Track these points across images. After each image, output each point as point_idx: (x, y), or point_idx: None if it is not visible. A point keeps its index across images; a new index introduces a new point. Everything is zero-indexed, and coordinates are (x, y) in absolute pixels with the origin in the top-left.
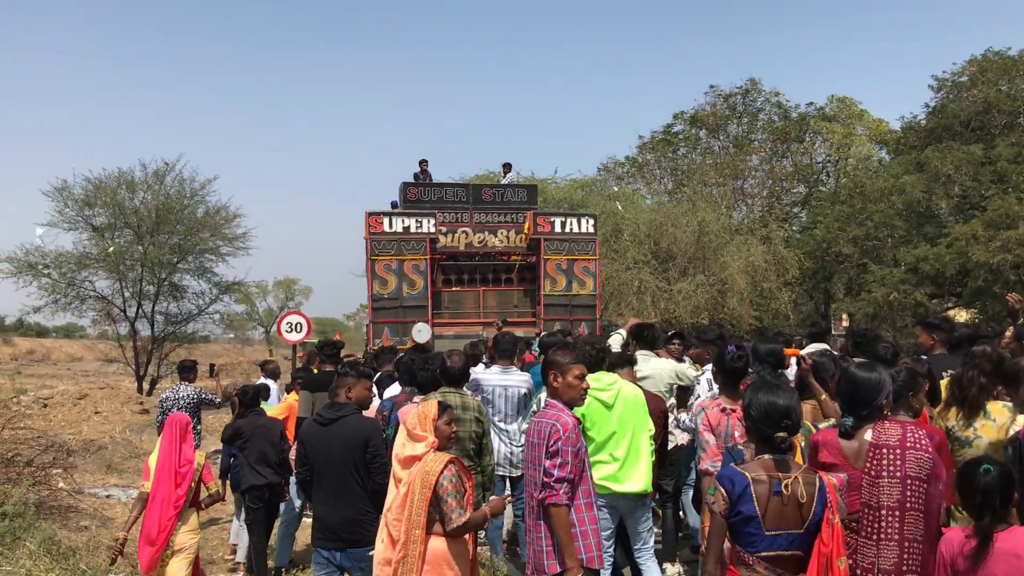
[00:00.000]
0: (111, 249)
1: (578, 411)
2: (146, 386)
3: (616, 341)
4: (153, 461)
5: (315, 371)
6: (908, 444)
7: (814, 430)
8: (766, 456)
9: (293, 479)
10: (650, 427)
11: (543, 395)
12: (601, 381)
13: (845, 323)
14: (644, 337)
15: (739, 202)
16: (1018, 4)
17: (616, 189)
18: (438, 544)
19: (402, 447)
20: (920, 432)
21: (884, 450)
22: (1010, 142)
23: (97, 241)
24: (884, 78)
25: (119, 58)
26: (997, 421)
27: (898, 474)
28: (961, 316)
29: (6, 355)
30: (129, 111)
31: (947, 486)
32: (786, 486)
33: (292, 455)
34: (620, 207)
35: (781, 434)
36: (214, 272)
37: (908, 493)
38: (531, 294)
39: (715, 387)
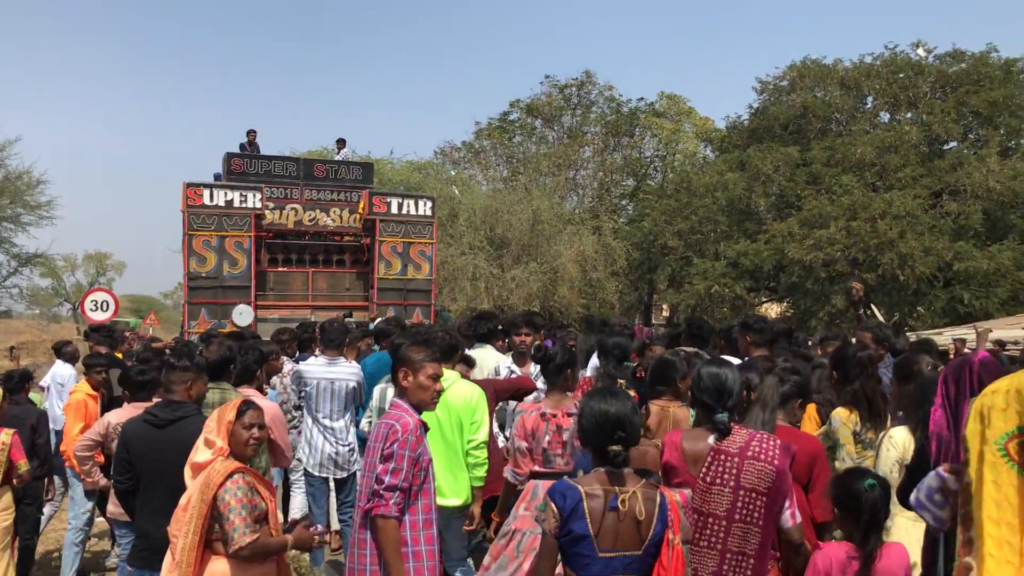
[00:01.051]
0: None
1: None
2: None
3: None
4: None
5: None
6: (750, 454)
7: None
8: (601, 469)
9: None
10: (477, 435)
11: (390, 390)
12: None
13: (666, 313)
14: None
15: (571, 192)
16: (833, 16)
17: (453, 173)
18: (220, 566)
19: (195, 451)
20: (771, 442)
21: (723, 456)
22: (824, 146)
23: None
24: (712, 78)
25: None
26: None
27: (731, 483)
28: (774, 310)
29: None
30: None
31: (820, 498)
32: (623, 501)
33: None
34: (457, 192)
35: (614, 447)
36: (13, 243)
37: (739, 504)
38: (364, 277)
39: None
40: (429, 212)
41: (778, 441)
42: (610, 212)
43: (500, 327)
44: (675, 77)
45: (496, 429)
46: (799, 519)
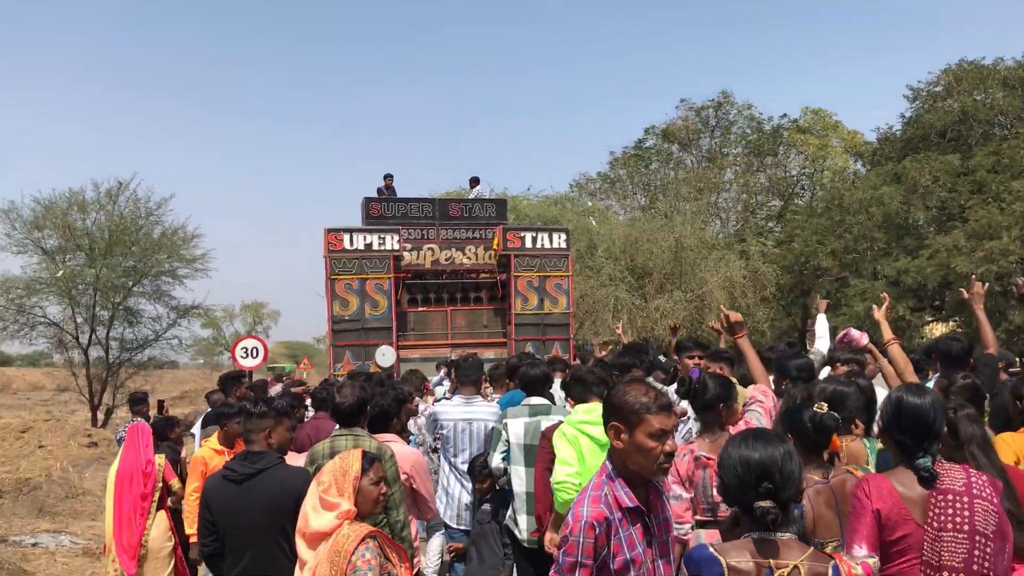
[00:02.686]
0: (60, 273)
1: (569, 446)
2: (100, 416)
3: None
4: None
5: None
6: (975, 492)
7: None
8: (756, 534)
9: None
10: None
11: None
12: (593, 412)
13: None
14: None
15: (714, 217)
16: (989, 14)
17: (590, 205)
18: None
19: (306, 519)
20: (985, 478)
21: (950, 497)
22: (988, 151)
23: (47, 265)
24: (858, 89)
25: (70, 72)
26: None
27: (965, 528)
28: (940, 329)
29: None
30: (80, 128)
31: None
32: None
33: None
34: (594, 223)
35: (762, 503)
36: (171, 295)
37: (976, 552)
38: (501, 313)
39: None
40: (564, 245)
41: (987, 476)
42: (756, 235)
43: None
44: (818, 91)
45: None
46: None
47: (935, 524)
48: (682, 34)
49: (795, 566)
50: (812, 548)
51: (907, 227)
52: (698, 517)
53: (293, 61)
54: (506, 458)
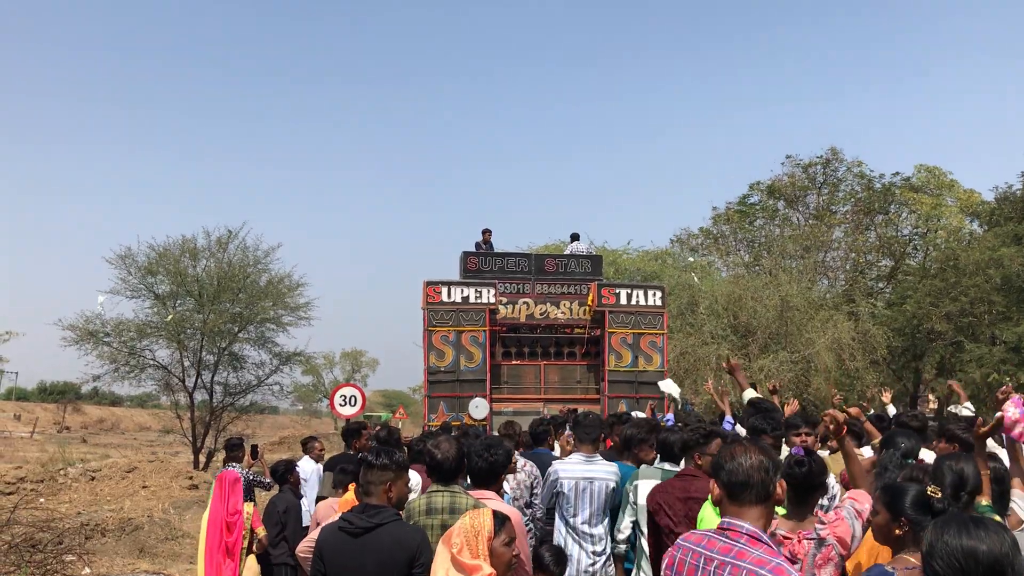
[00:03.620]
0: (170, 318)
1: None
2: (202, 459)
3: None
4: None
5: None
6: None
7: None
8: None
9: None
10: None
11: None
12: None
13: (933, 405)
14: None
15: (821, 276)
16: None
17: (692, 260)
18: None
19: None
20: None
21: None
22: None
23: (158, 309)
24: (974, 147)
25: (185, 126)
26: None
27: None
28: None
29: (76, 423)
30: (192, 178)
31: None
32: None
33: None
34: (696, 279)
35: None
36: (274, 342)
37: None
38: (595, 369)
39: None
40: (659, 302)
41: None
42: (866, 295)
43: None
44: (932, 148)
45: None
46: None
47: None
48: (789, 89)
49: None
50: None
51: None
52: None
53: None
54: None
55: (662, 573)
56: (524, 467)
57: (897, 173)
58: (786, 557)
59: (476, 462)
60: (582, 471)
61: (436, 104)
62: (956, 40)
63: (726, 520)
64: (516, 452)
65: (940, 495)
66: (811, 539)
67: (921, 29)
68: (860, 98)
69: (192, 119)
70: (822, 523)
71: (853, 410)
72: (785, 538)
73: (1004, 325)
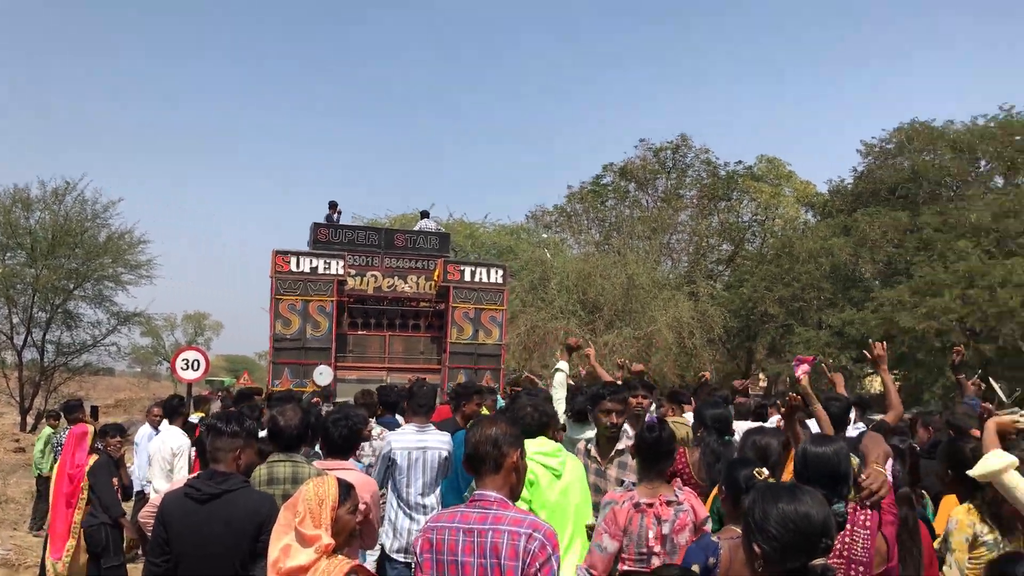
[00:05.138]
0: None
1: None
2: (30, 421)
3: (559, 380)
4: None
5: None
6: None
7: None
8: None
9: None
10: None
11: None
12: (546, 446)
13: (763, 383)
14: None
15: (666, 257)
16: (940, 77)
17: (545, 237)
18: None
19: (285, 553)
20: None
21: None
22: (935, 211)
23: None
24: (812, 141)
25: (16, 69)
26: None
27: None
28: (878, 382)
29: None
30: (24, 127)
31: None
32: None
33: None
34: (548, 255)
35: (819, 562)
36: (113, 301)
37: None
38: (437, 341)
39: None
40: (501, 280)
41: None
42: (706, 277)
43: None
44: (773, 140)
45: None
46: None
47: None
48: (645, 75)
49: None
50: None
51: (854, 279)
52: (626, 567)
53: (265, 80)
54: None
55: (419, 557)
56: (381, 435)
57: (740, 162)
58: (653, 523)
59: (332, 432)
60: (415, 441)
61: (306, 67)
62: (806, 44)
63: (476, 492)
64: (372, 420)
65: (763, 476)
66: (671, 502)
67: (773, 32)
68: (712, 89)
69: (35, 53)
70: (680, 489)
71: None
72: (647, 505)
73: (830, 311)
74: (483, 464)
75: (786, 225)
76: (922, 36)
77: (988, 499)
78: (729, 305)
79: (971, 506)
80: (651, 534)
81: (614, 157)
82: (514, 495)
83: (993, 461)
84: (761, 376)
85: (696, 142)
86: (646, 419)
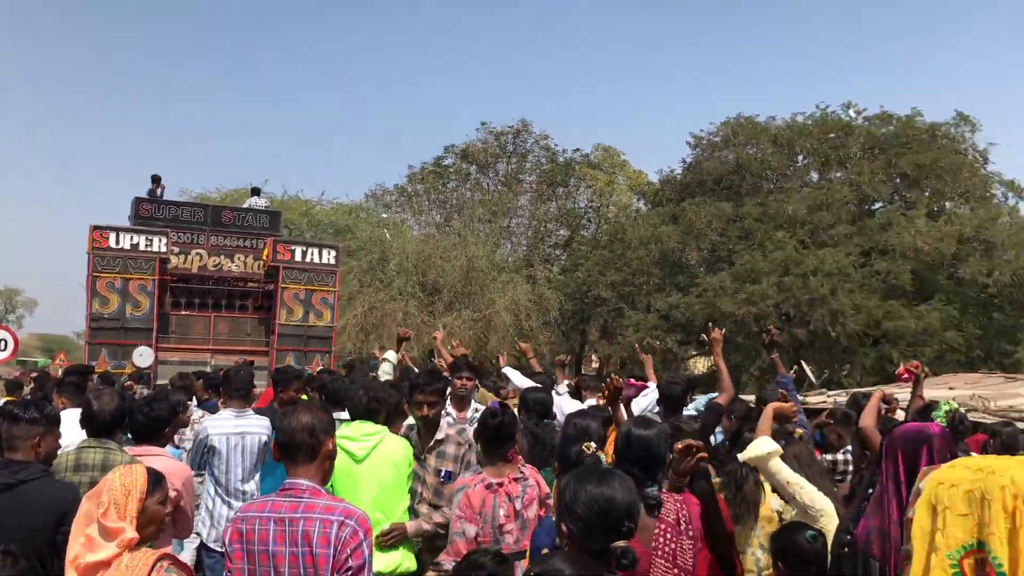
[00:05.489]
0: None
1: None
2: None
3: (385, 370)
4: None
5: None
6: (681, 526)
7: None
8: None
9: None
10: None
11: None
12: (358, 429)
13: (595, 364)
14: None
15: (505, 240)
16: (765, 74)
17: (385, 217)
18: None
19: (86, 547)
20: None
21: (664, 527)
22: (756, 202)
23: None
24: (646, 132)
25: None
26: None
27: (669, 557)
28: (703, 364)
29: None
30: None
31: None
32: None
33: None
34: (388, 236)
35: (621, 543)
36: None
37: None
38: (266, 323)
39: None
40: (333, 261)
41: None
42: (543, 261)
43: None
44: (610, 129)
45: None
46: None
47: (656, 551)
48: (488, 59)
49: None
50: None
51: (681, 265)
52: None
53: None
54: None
55: (228, 547)
56: (202, 419)
57: (578, 150)
58: (505, 501)
59: (136, 416)
60: (233, 427)
61: (123, 37)
62: (643, 38)
63: (287, 481)
64: (192, 404)
65: (591, 451)
66: (518, 479)
67: (613, 24)
68: (552, 77)
69: None
70: (523, 465)
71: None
72: (498, 484)
73: (658, 295)
74: (298, 452)
75: (619, 212)
76: (751, 33)
77: (736, 477)
78: (565, 288)
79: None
80: (503, 512)
81: (456, 139)
82: (325, 482)
83: (759, 447)
84: (594, 357)
85: (536, 128)
86: (489, 404)
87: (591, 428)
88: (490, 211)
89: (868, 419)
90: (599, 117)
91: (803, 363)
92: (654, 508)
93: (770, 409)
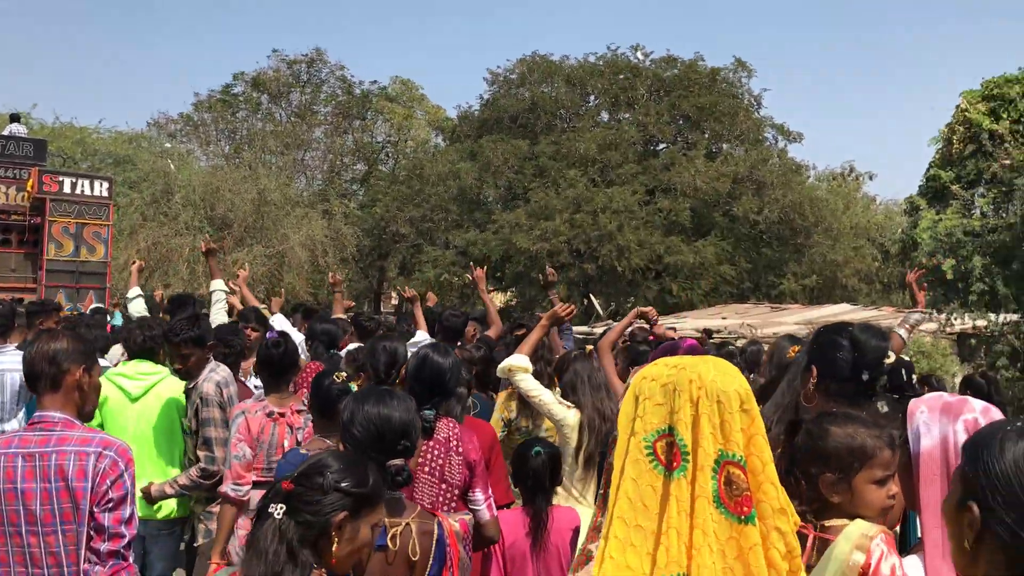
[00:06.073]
0: None
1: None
2: None
3: (137, 307)
4: None
5: None
6: (453, 445)
7: None
8: None
9: None
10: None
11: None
12: (134, 368)
13: (394, 301)
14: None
15: (300, 174)
16: (561, 13)
17: (169, 147)
18: None
19: None
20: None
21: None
22: (550, 140)
23: None
24: (444, 66)
25: None
26: None
27: (436, 473)
28: (500, 299)
29: None
30: None
31: (497, 482)
32: (393, 537)
33: None
34: (173, 167)
35: (396, 462)
36: None
37: (442, 499)
38: (32, 258)
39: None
40: (106, 193)
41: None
42: (340, 196)
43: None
44: (408, 62)
45: None
46: (494, 512)
47: (423, 466)
48: None
49: (407, 524)
50: (419, 506)
51: (478, 202)
52: (254, 478)
53: None
54: None
55: None
56: None
57: (375, 82)
58: (286, 427)
59: None
60: None
61: None
62: None
63: (36, 414)
64: None
65: (340, 379)
66: (300, 411)
67: None
68: (347, 4)
69: None
70: (306, 399)
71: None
72: (280, 414)
73: (457, 231)
74: (39, 381)
75: (418, 148)
76: None
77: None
78: (362, 224)
79: (510, 391)
80: (287, 443)
81: (246, 66)
82: (83, 415)
83: (509, 360)
84: (393, 294)
85: (332, 57)
86: (267, 334)
87: (399, 352)
88: (283, 143)
89: (606, 338)
90: (397, 49)
91: (592, 296)
92: (428, 431)
93: (546, 319)
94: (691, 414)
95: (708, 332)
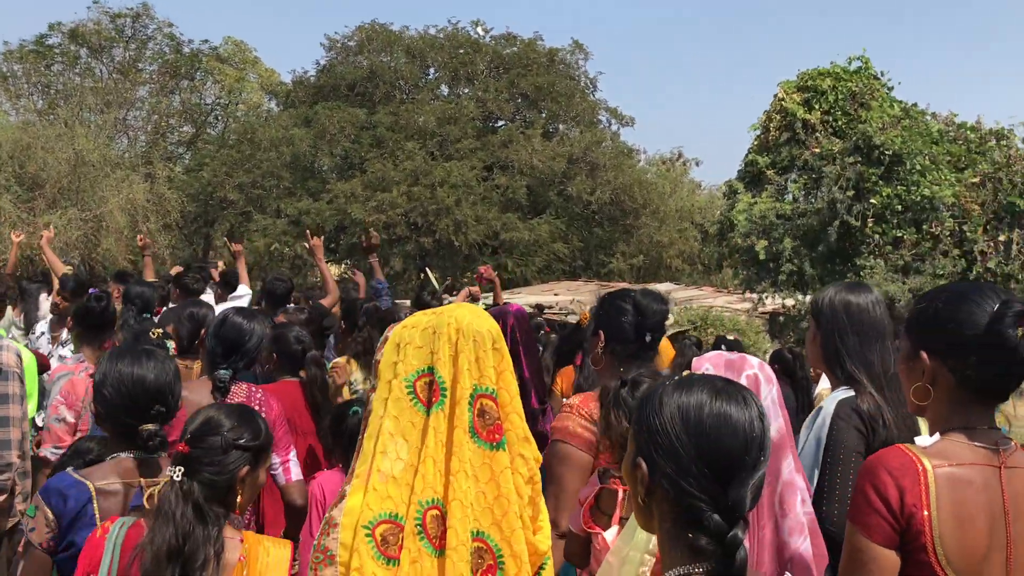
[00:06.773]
0: None
1: None
2: None
3: None
4: None
5: None
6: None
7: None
8: (124, 455)
9: None
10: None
11: None
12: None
13: (221, 267)
14: None
15: (121, 134)
16: None
17: None
18: None
19: None
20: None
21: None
22: (389, 111)
23: None
24: (279, 29)
25: None
26: None
27: None
28: (335, 271)
29: None
30: None
31: None
32: (150, 496)
33: None
34: None
35: (149, 427)
36: None
37: None
38: None
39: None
40: None
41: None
42: (165, 159)
43: None
44: (241, 23)
45: None
46: (296, 476)
47: None
48: None
49: (166, 482)
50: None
51: (312, 170)
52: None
53: None
54: None
55: None
56: None
57: (206, 41)
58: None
59: None
60: None
61: None
62: None
63: None
64: None
65: (156, 335)
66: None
67: None
68: None
69: None
70: None
71: None
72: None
73: (289, 200)
74: None
75: (249, 111)
76: None
77: (360, 340)
78: (188, 189)
79: (347, 357)
80: None
81: (64, 16)
82: None
83: None
84: (220, 263)
85: (159, 13)
86: (91, 291)
87: (207, 318)
88: (103, 100)
89: None
90: (230, 8)
91: (428, 269)
92: (224, 391)
93: None
94: (450, 353)
95: (540, 307)
